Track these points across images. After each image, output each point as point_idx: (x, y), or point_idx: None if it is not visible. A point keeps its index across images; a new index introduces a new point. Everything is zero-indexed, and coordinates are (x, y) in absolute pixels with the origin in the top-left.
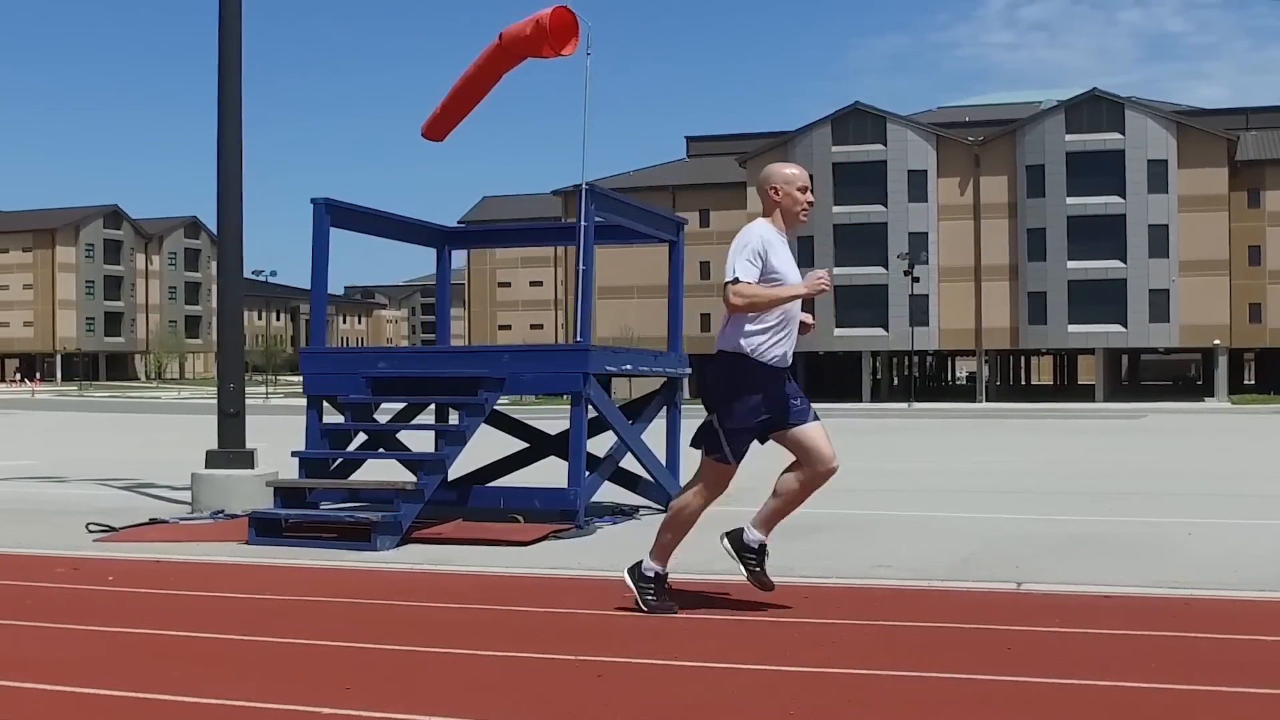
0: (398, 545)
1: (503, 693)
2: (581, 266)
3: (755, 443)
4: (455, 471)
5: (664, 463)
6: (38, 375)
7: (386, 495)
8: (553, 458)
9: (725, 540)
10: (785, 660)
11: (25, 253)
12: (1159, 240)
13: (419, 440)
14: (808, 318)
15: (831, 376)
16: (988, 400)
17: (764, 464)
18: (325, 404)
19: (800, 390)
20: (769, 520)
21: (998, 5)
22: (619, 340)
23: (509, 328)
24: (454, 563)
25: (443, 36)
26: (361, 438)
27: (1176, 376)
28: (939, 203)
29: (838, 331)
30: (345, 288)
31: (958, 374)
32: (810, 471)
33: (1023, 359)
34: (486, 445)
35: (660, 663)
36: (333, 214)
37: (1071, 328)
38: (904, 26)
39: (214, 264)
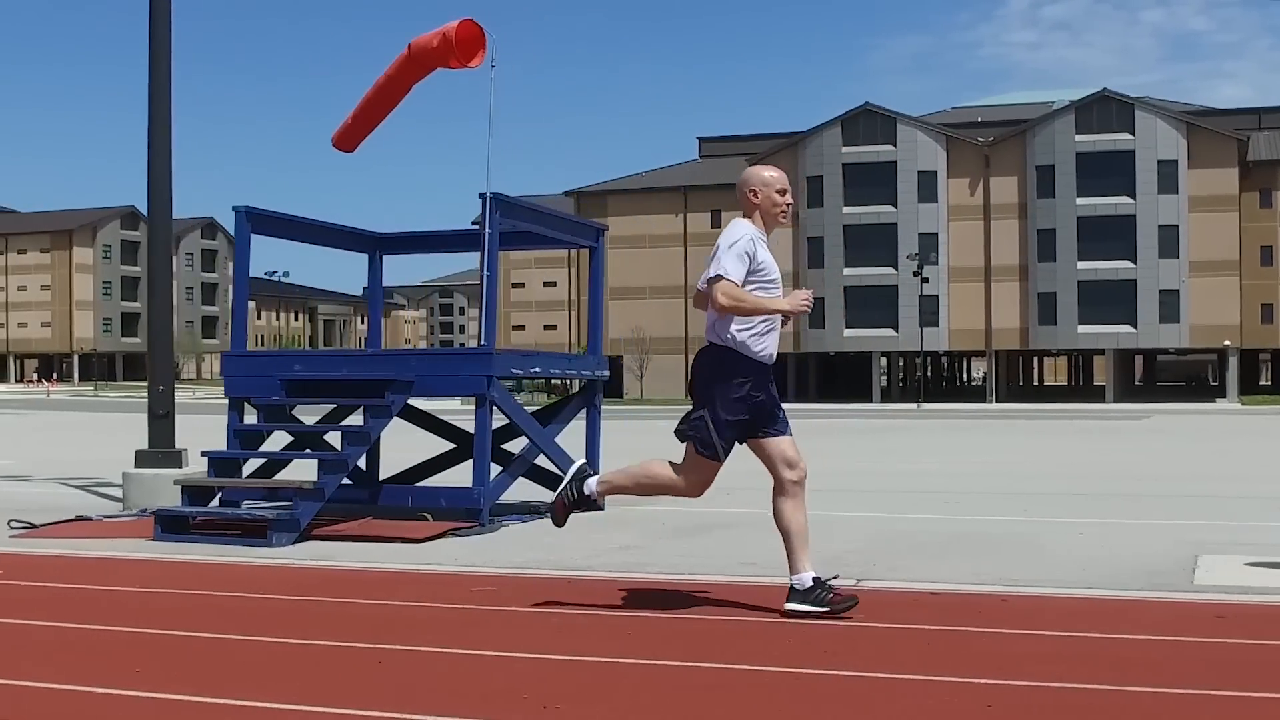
0: (296, 541)
1: (265, 677)
2: (486, 272)
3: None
4: (387, 470)
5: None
6: (54, 375)
7: (289, 494)
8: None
9: (793, 604)
10: (558, 649)
11: (43, 254)
12: (1169, 241)
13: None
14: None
15: (843, 377)
16: (998, 401)
17: (749, 464)
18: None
19: (779, 401)
20: (798, 554)
21: (1019, 4)
22: (628, 341)
23: (523, 328)
24: (342, 559)
25: None
26: (288, 438)
27: (1191, 377)
28: (949, 203)
29: (848, 332)
30: (364, 288)
31: (973, 374)
32: (783, 481)
33: (1036, 359)
34: (426, 446)
35: (449, 651)
36: (254, 221)
37: (1081, 328)
38: (925, 27)
39: (230, 265)
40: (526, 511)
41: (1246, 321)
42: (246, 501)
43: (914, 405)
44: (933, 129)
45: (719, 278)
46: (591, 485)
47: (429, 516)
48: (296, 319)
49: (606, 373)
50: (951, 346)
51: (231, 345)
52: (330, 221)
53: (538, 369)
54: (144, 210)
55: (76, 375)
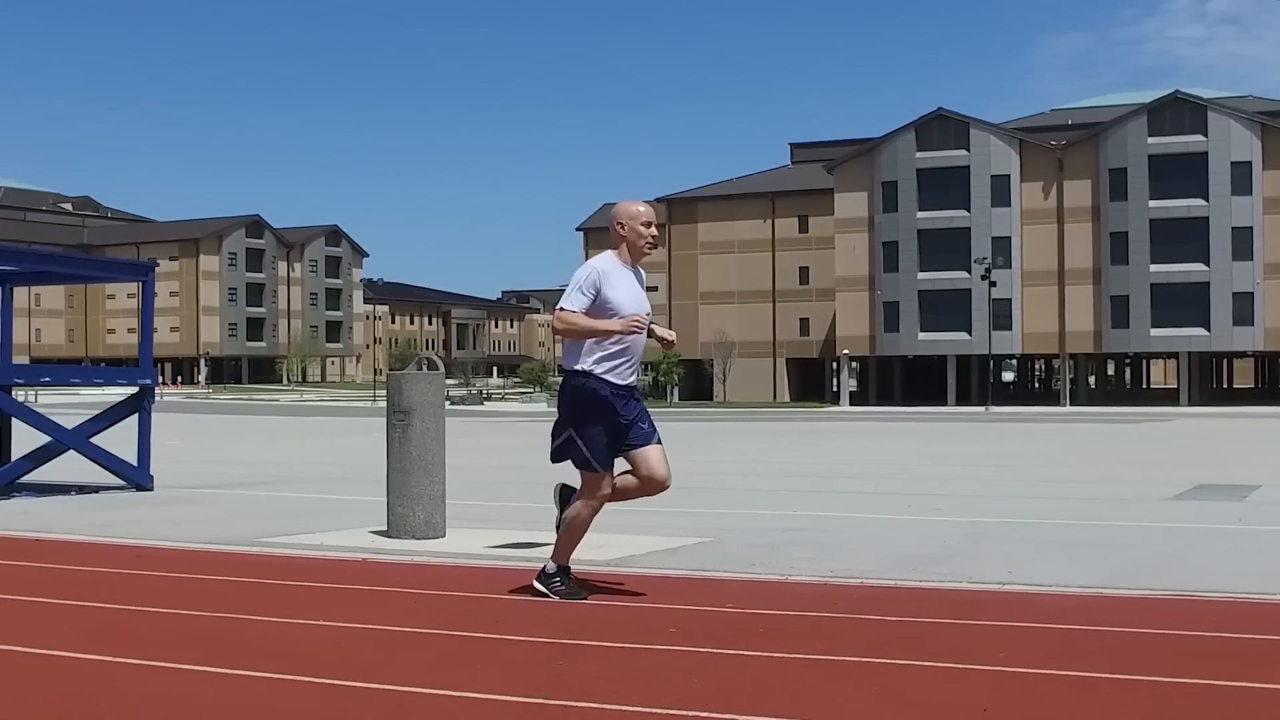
0: None
1: None
2: None
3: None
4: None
5: (136, 455)
6: (178, 379)
7: None
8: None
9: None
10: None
11: (171, 261)
12: (1243, 243)
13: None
14: (667, 335)
15: (922, 379)
16: (1075, 404)
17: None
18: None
19: (648, 414)
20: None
21: None
22: (717, 345)
23: None
24: None
25: (565, 49)
26: None
27: None
28: (1022, 207)
29: (922, 335)
30: (502, 292)
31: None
32: (643, 485)
33: (1138, 361)
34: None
35: None
36: None
37: (1154, 331)
38: (1088, 23)
39: (355, 271)
40: (71, 490)
41: None
42: None
43: (981, 408)
44: (1006, 133)
45: (560, 309)
46: (554, 565)
47: None
48: (430, 323)
49: (150, 381)
50: (1025, 350)
51: None
52: None
53: (48, 379)
54: (268, 219)
55: (205, 378)
